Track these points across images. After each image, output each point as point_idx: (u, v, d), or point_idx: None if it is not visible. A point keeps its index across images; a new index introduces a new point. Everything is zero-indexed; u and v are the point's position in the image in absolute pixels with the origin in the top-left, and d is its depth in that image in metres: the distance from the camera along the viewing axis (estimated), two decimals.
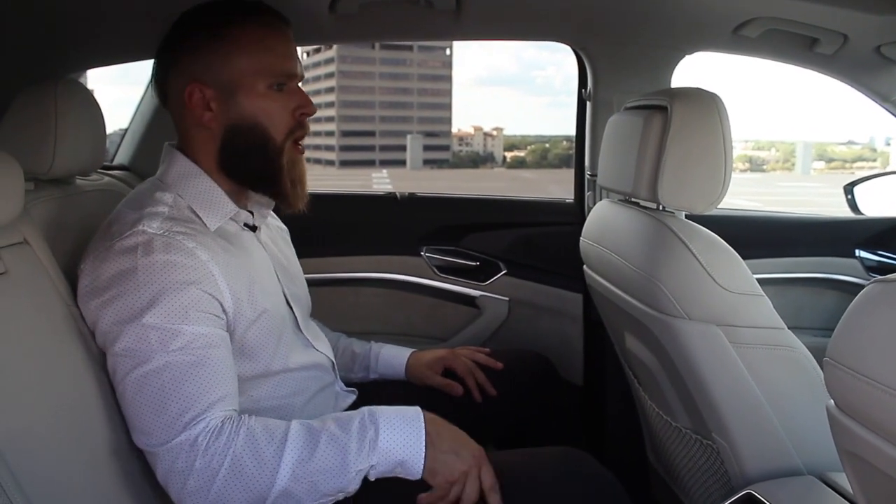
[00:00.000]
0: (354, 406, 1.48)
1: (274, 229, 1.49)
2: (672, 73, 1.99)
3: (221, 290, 1.18)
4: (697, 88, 1.40)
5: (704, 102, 1.36)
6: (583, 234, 1.72)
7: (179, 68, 1.27)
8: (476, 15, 1.78)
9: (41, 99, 1.37)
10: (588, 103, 2.05)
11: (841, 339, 0.79)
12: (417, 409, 1.18)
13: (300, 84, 1.33)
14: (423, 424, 1.16)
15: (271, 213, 1.45)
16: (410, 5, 1.71)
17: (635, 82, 1.95)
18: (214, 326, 1.17)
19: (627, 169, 1.45)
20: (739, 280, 1.31)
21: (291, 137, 1.27)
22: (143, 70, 1.96)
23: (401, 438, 1.13)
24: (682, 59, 1.98)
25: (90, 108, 1.45)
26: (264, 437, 1.11)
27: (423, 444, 1.14)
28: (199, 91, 1.25)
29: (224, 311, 1.19)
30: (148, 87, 2.08)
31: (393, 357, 1.62)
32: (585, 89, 2.06)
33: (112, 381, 1.14)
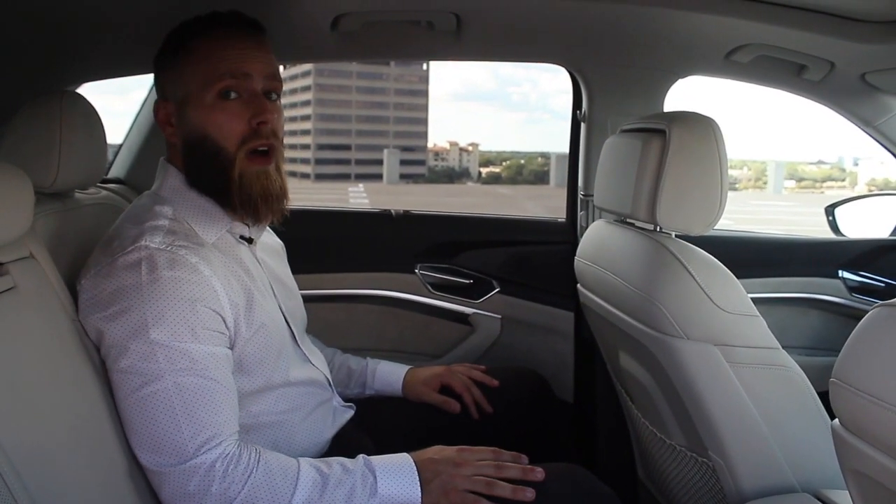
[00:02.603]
0: (353, 421, 1.49)
1: (270, 245, 1.48)
2: (665, 95, 2.02)
3: (223, 305, 1.19)
4: (694, 113, 1.44)
5: (702, 127, 1.40)
6: (578, 253, 1.75)
7: (157, 89, 1.33)
8: (475, 37, 1.81)
9: (46, 112, 1.36)
10: (582, 124, 2.09)
11: (848, 360, 0.81)
12: (406, 456, 1.21)
13: (276, 96, 1.30)
14: (415, 468, 1.18)
15: (268, 229, 1.44)
16: (412, 25, 1.74)
17: (630, 104, 1.99)
18: (220, 344, 1.18)
19: (625, 190, 1.47)
20: (736, 300, 1.34)
21: (244, 147, 1.24)
22: (127, 80, 1.97)
23: (396, 483, 1.16)
24: (675, 82, 2.02)
25: (93, 122, 1.45)
26: (279, 472, 1.13)
27: (419, 485, 1.17)
28: (164, 107, 1.29)
29: (227, 326, 1.19)
30: (144, 101, 2.08)
31: (389, 374, 1.62)
32: (580, 111, 2.09)
33: (115, 396, 1.14)
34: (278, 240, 1.54)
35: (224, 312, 1.19)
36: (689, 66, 1.99)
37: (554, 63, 2.05)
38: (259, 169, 1.25)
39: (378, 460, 1.19)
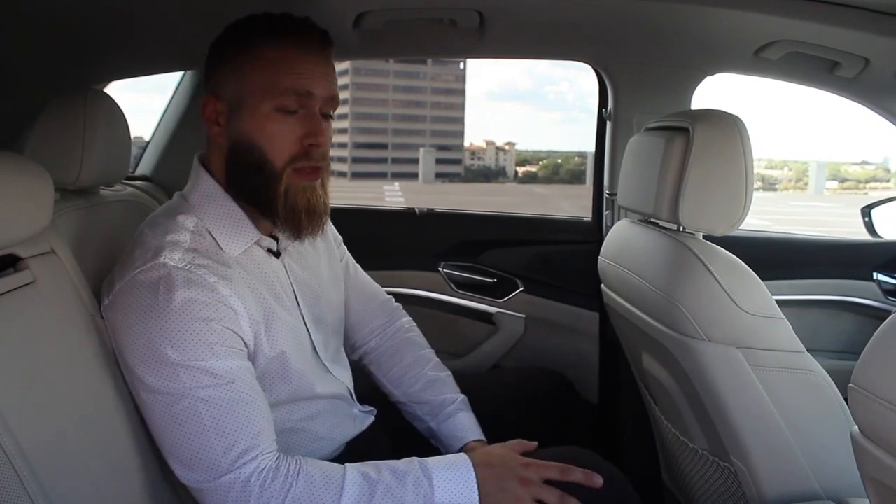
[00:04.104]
0: (374, 427, 1.45)
1: (303, 247, 1.38)
2: (693, 93, 2.00)
3: (242, 326, 1.17)
4: (719, 110, 1.41)
5: (726, 125, 1.37)
6: (601, 253, 1.73)
7: (208, 81, 1.27)
8: (499, 34, 1.80)
9: (71, 110, 1.38)
10: (608, 122, 2.07)
11: (867, 366, 0.79)
12: (465, 456, 1.18)
13: (331, 116, 1.25)
14: (474, 471, 1.15)
15: None
16: (435, 23, 1.73)
17: (656, 102, 1.96)
18: (241, 359, 1.16)
19: (648, 189, 1.45)
20: (759, 302, 1.32)
21: (292, 165, 1.19)
22: (166, 79, 2.00)
23: (455, 489, 1.13)
24: (703, 79, 1.99)
25: (117, 120, 1.47)
26: (322, 482, 1.10)
27: (477, 491, 1.13)
28: (213, 103, 1.23)
29: (245, 343, 1.18)
30: (171, 98, 2.10)
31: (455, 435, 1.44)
32: (606, 109, 2.07)
33: (146, 416, 1.14)
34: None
35: (242, 331, 1.17)
36: (718, 64, 1.96)
37: (579, 61, 2.03)
38: (306, 183, 1.21)
39: (434, 463, 1.16)
